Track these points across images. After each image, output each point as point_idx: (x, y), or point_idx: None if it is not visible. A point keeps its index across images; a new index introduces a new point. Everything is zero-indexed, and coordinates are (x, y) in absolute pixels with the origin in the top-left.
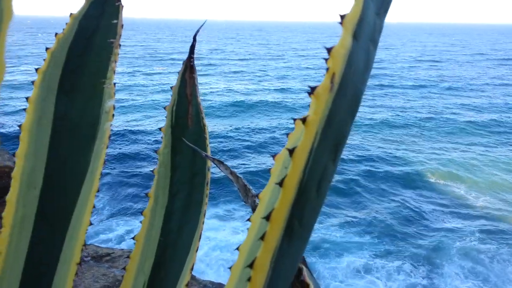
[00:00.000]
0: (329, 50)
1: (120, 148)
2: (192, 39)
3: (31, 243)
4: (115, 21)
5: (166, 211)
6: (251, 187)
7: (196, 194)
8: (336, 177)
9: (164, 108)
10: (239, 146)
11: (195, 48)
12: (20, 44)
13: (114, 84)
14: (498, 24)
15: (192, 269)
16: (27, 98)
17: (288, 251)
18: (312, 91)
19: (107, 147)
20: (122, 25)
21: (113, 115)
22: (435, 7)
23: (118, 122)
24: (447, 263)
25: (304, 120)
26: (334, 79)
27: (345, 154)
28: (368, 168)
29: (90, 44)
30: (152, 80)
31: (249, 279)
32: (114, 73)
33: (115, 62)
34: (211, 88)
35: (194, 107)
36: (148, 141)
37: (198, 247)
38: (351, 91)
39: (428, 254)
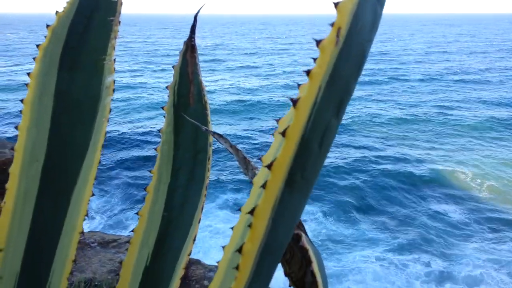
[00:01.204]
0: (336, 4)
1: (123, 146)
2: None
3: (34, 214)
4: None
5: (169, 188)
6: (250, 160)
7: (198, 171)
8: (340, 175)
9: (166, 87)
10: (245, 144)
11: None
12: (26, 42)
13: (114, 60)
14: (506, 13)
15: (194, 239)
16: (28, 74)
17: (289, 202)
18: (317, 44)
19: (107, 121)
20: (122, 3)
21: (114, 90)
22: None
23: (122, 120)
24: (463, 258)
25: (308, 73)
26: (340, 33)
27: (349, 151)
28: (375, 165)
29: (91, 21)
30: (157, 76)
31: (250, 225)
32: (114, 49)
33: (115, 39)
34: (216, 84)
35: (196, 86)
36: (154, 140)
37: (200, 219)
38: (356, 48)
39: (442, 250)
